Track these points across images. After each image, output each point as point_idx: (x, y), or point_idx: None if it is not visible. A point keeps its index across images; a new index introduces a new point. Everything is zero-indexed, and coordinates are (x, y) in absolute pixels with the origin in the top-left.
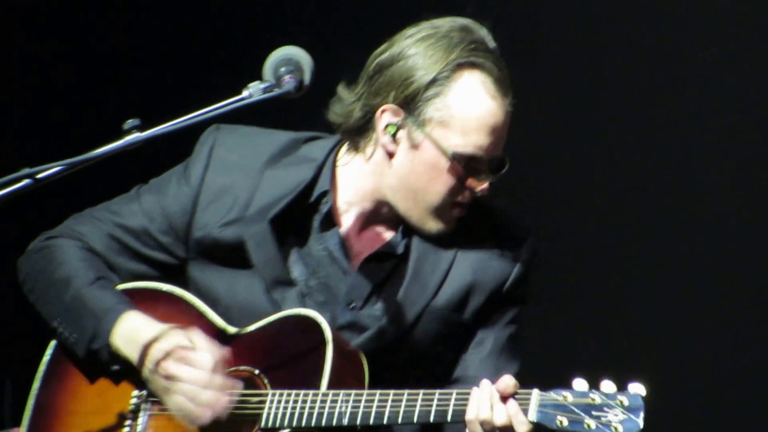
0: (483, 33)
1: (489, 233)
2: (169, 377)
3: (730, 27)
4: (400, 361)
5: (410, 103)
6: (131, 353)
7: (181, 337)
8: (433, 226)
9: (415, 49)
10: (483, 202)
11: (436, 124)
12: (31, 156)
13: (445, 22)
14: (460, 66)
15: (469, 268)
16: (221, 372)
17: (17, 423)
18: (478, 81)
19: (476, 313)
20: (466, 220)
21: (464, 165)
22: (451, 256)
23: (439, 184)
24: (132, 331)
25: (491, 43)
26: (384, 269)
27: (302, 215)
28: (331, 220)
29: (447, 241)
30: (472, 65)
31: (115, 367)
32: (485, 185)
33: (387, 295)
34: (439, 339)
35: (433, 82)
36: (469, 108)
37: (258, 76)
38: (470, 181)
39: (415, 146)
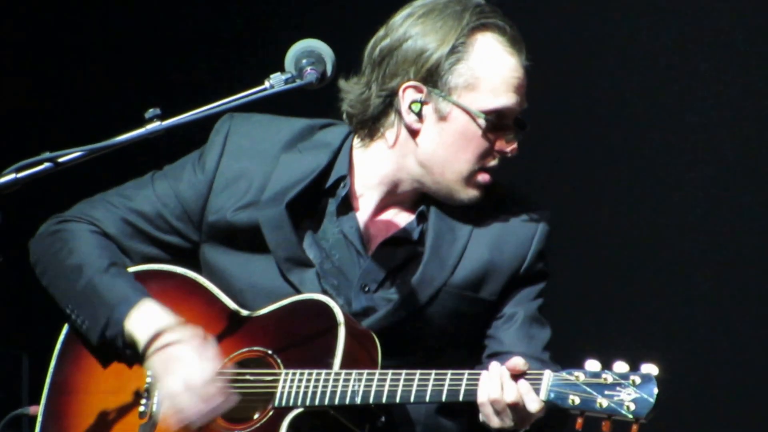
0: None
1: (504, 210)
2: (172, 359)
3: (732, 26)
4: (414, 338)
5: (433, 75)
6: (141, 334)
7: (198, 332)
8: (465, 195)
9: (421, 26)
10: (497, 182)
11: (462, 90)
12: (52, 141)
13: None
14: (473, 30)
15: (485, 246)
16: (219, 383)
17: (35, 401)
18: (494, 40)
19: (498, 294)
20: (481, 199)
21: (494, 126)
22: (467, 234)
23: (470, 151)
24: (148, 316)
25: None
26: (399, 254)
27: (317, 199)
28: (347, 205)
29: (463, 220)
30: (485, 27)
31: (128, 351)
32: (514, 145)
33: (403, 278)
34: (454, 316)
35: (452, 50)
36: (492, 67)
37: (279, 68)
38: (499, 144)
39: (442, 118)
